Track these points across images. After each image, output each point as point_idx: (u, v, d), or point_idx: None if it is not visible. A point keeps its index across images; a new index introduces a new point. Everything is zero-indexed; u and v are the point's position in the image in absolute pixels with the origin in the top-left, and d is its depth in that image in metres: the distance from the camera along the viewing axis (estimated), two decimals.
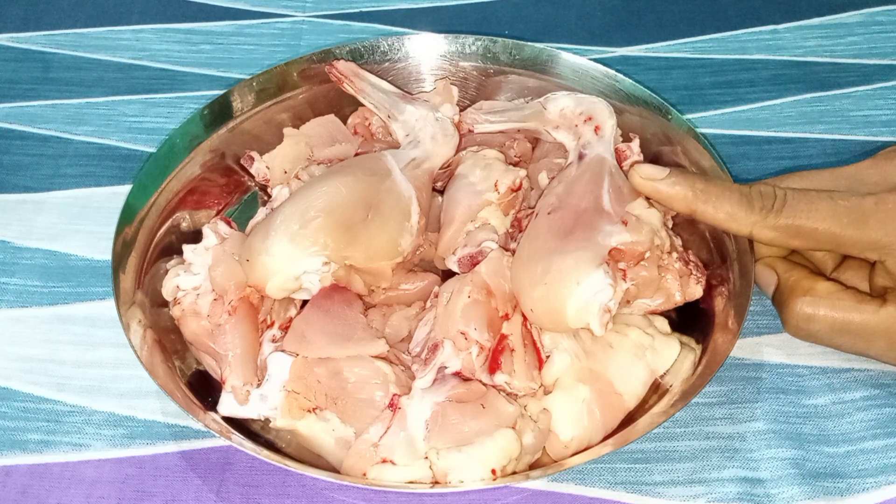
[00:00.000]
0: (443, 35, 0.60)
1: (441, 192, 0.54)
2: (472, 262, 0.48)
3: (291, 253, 0.45)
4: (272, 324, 0.48)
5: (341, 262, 0.46)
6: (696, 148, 0.53)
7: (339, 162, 0.54)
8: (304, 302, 0.48)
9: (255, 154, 0.56)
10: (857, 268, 0.50)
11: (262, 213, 0.52)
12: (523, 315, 0.46)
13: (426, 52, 0.60)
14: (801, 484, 0.45)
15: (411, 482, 0.41)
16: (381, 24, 0.76)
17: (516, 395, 0.44)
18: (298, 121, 0.59)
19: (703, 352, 0.46)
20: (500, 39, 0.60)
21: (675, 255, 0.48)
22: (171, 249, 0.52)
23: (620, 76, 0.57)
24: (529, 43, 0.59)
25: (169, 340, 0.48)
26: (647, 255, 0.47)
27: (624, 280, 0.46)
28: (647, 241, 0.46)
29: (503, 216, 0.51)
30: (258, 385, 0.45)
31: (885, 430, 0.48)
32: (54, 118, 0.67)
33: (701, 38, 0.75)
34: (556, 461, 0.44)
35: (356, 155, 0.56)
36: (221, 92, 0.57)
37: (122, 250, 0.49)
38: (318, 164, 0.55)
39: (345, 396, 0.45)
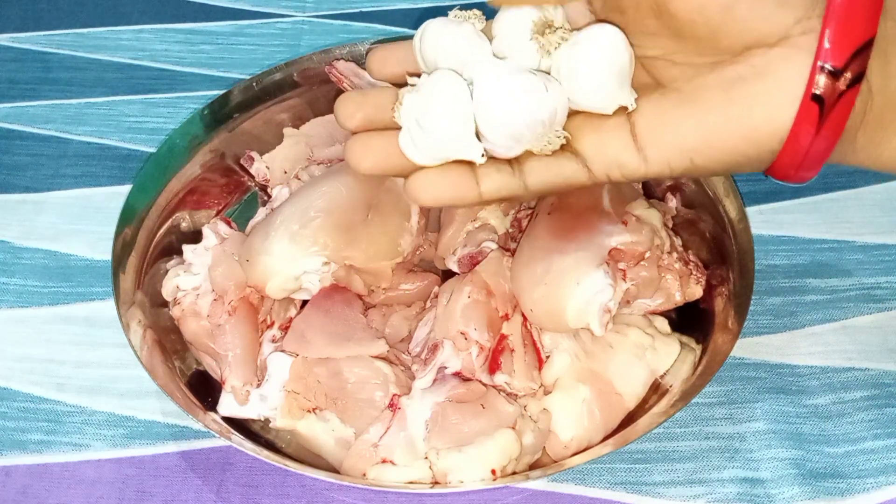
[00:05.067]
0: None
1: None
2: (472, 262, 0.48)
3: (291, 253, 0.45)
4: (272, 324, 0.48)
5: (341, 262, 0.46)
6: None
7: (339, 162, 0.54)
8: (304, 302, 0.48)
9: (255, 154, 0.56)
10: None
11: (262, 213, 0.52)
12: (523, 315, 0.46)
13: None
14: (802, 484, 0.45)
15: (411, 482, 0.41)
16: (381, 24, 0.76)
17: (516, 395, 0.44)
18: (298, 121, 0.59)
19: (703, 352, 0.46)
20: None
21: (675, 255, 0.48)
22: (171, 249, 0.52)
23: None
24: None
25: (169, 340, 0.48)
26: (647, 255, 0.47)
27: (624, 280, 0.46)
28: (647, 241, 0.46)
29: (503, 216, 0.51)
30: (258, 385, 0.45)
31: (885, 430, 0.48)
32: (54, 118, 0.67)
33: None
34: (556, 461, 0.44)
35: None
36: (221, 92, 0.57)
37: (122, 250, 0.49)
38: (318, 164, 0.55)
39: (345, 396, 0.45)
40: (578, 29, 0.34)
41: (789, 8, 0.31)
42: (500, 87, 0.33)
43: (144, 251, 0.50)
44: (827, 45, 0.30)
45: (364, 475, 0.42)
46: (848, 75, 0.30)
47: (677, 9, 0.32)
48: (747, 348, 0.52)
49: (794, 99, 0.31)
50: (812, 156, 0.32)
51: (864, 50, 0.30)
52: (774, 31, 0.31)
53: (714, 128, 0.32)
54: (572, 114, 0.34)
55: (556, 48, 0.34)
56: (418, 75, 0.35)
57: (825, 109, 0.31)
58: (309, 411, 0.45)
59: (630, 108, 0.34)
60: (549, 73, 0.34)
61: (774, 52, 0.31)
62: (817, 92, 0.31)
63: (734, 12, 0.31)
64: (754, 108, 0.32)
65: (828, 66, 0.30)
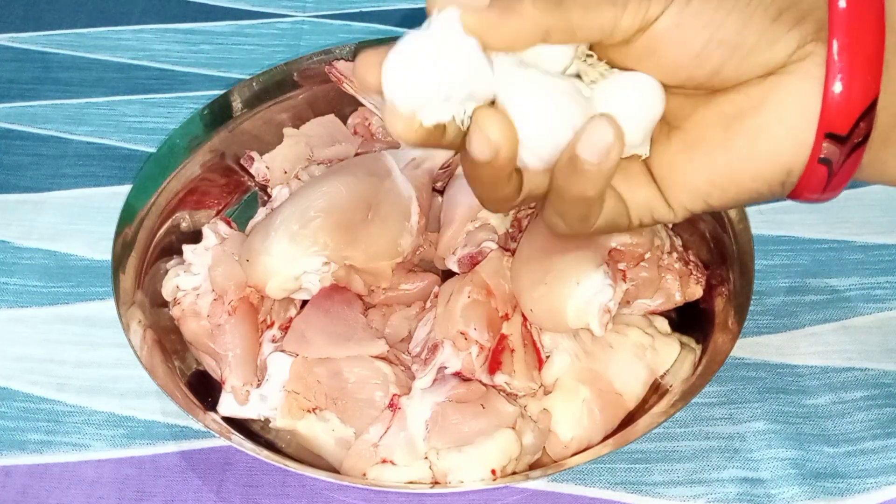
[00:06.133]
0: None
1: (441, 192, 0.54)
2: (472, 262, 0.48)
3: (291, 253, 0.45)
4: (272, 324, 0.48)
5: (341, 262, 0.46)
6: None
7: (339, 162, 0.54)
8: (304, 302, 0.48)
9: (255, 154, 0.56)
10: None
11: (262, 213, 0.52)
12: (523, 315, 0.46)
13: None
14: (801, 484, 0.45)
15: (411, 482, 0.41)
16: (381, 24, 0.76)
17: (516, 395, 0.44)
18: (298, 121, 0.59)
19: (703, 352, 0.46)
20: None
21: (675, 255, 0.48)
22: (171, 249, 0.52)
23: None
24: None
25: (169, 340, 0.48)
26: (647, 255, 0.47)
27: (624, 280, 0.46)
28: (646, 241, 0.46)
29: (503, 216, 0.51)
30: (258, 385, 0.45)
31: (885, 430, 0.48)
32: (54, 118, 0.67)
33: None
34: (556, 461, 0.44)
35: (356, 155, 0.56)
36: (221, 92, 0.57)
37: (122, 250, 0.49)
38: (318, 164, 0.55)
39: (345, 396, 0.45)
40: (615, 67, 0.33)
41: (781, 46, 0.30)
42: (543, 97, 0.30)
43: (144, 251, 0.50)
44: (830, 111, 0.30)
45: (364, 475, 0.42)
46: (854, 138, 0.30)
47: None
48: (747, 348, 0.52)
49: (794, 129, 0.31)
50: (822, 200, 0.32)
51: (868, 112, 0.30)
52: (768, 67, 0.31)
53: (720, 170, 0.32)
54: None
55: (592, 80, 0.32)
56: None
57: (833, 169, 0.31)
58: (309, 411, 0.45)
59: (643, 157, 0.33)
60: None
61: (770, 80, 0.31)
62: (824, 156, 0.30)
63: (722, 74, 0.31)
64: (755, 145, 0.31)
65: (833, 133, 0.30)
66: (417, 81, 0.29)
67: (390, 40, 0.31)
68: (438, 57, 0.29)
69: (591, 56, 0.32)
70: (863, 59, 0.29)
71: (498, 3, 0.29)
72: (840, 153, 0.30)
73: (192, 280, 0.48)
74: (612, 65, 0.33)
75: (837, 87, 0.30)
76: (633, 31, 0.31)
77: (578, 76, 0.33)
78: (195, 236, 0.50)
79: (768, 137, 0.31)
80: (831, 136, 0.30)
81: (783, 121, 0.31)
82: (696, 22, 0.30)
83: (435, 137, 0.31)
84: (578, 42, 0.31)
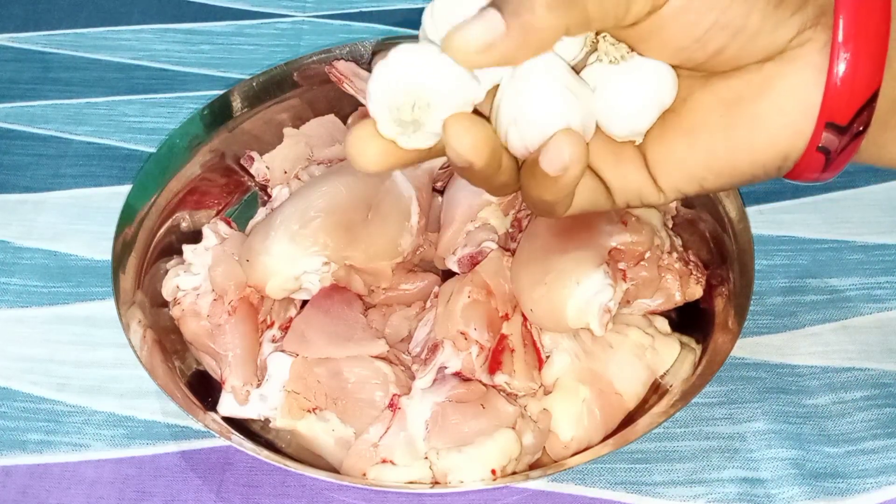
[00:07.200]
0: None
1: (441, 192, 0.54)
2: (472, 262, 0.48)
3: (291, 253, 0.45)
4: (272, 324, 0.48)
5: (341, 262, 0.46)
6: None
7: (339, 162, 0.54)
8: (304, 302, 0.48)
9: (255, 154, 0.56)
10: None
11: (262, 213, 0.52)
12: (523, 315, 0.46)
13: None
14: (801, 484, 0.45)
15: (411, 482, 0.41)
16: (381, 24, 0.76)
17: (516, 395, 0.44)
18: (298, 121, 0.59)
19: (703, 352, 0.46)
20: None
21: (675, 255, 0.48)
22: (171, 249, 0.52)
23: None
24: None
25: (169, 340, 0.48)
26: (647, 255, 0.47)
27: (624, 280, 0.46)
28: (646, 241, 0.46)
29: (503, 216, 0.51)
30: (258, 385, 0.45)
31: (885, 430, 0.48)
32: (54, 118, 0.67)
33: None
34: (556, 461, 0.44)
35: None
36: (221, 92, 0.57)
37: (122, 250, 0.49)
38: (318, 164, 0.55)
39: (345, 396, 0.45)
40: (634, 50, 0.33)
41: (783, 31, 0.30)
42: (551, 88, 0.30)
43: (144, 251, 0.50)
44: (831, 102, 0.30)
45: (364, 475, 0.42)
46: (854, 128, 0.30)
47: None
48: (747, 348, 0.52)
49: (793, 120, 0.31)
50: (819, 181, 0.33)
51: (869, 103, 0.30)
52: (769, 52, 0.31)
53: (717, 156, 0.32)
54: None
55: (611, 61, 0.32)
56: None
57: (831, 156, 0.31)
58: (309, 411, 0.45)
59: (636, 143, 0.34)
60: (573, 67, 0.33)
61: (769, 66, 0.31)
62: (823, 145, 0.30)
63: (722, 57, 0.31)
64: (754, 133, 0.31)
65: (833, 124, 0.30)
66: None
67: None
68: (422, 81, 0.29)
69: (610, 35, 0.33)
70: (867, 51, 0.29)
71: (513, 21, 0.29)
72: (839, 142, 0.31)
73: (192, 280, 0.48)
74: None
75: (840, 78, 0.29)
76: (643, 15, 0.30)
77: (596, 54, 0.33)
78: (195, 236, 0.50)
79: (767, 127, 0.31)
80: (831, 126, 0.30)
81: (782, 111, 0.31)
82: (703, 5, 0.30)
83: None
84: (592, 31, 0.31)
